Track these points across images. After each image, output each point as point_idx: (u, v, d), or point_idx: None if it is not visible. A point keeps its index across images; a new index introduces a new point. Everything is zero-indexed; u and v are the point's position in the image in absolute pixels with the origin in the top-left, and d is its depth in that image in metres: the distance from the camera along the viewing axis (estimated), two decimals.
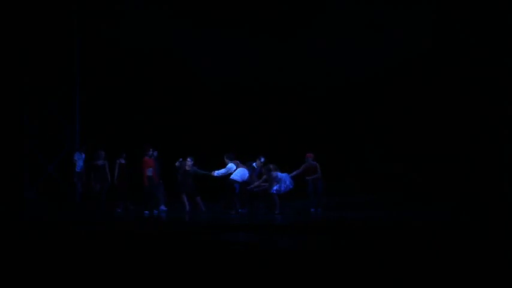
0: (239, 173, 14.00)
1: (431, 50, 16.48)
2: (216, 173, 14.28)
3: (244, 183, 13.95)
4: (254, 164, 14.37)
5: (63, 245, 9.26)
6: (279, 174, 13.62)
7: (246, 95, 17.49)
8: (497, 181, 15.46)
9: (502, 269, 6.87)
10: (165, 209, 14.70)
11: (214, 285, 6.43)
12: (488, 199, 14.58)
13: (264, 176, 13.78)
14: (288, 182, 13.69)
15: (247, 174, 14.07)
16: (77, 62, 16.82)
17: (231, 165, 14.20)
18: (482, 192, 15.07)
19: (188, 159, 14.47)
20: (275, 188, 13.53)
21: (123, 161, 14.69)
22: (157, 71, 17.65)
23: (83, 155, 16.03)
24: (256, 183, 13.97)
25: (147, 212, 14.09)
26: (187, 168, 14.41)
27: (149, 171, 14.31)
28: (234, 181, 13.93)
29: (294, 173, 13.81)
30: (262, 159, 14.38)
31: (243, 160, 14.24)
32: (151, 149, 14.49)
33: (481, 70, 16.06)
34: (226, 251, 8.61)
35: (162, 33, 16.95)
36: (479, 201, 14.44)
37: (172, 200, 14.99)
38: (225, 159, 14.28)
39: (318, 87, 17.37)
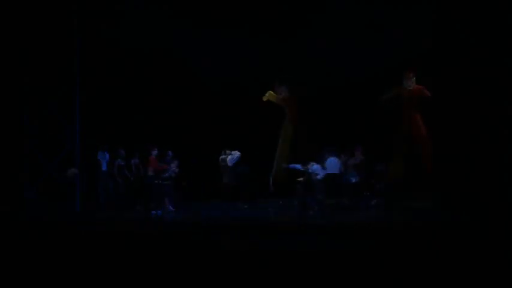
0: (330, 165, 14.27)
1: (431, 50, 16.46)
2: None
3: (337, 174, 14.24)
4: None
5: (63, 245, 9.25)
6: None
7: (246, 95, 17.47)
8: (497, 181, 15.44)
9: (502, 269, 6.87)
10: (173, 209, 14.71)
11: (214, 285, 6.43)
12: (488, 199, 14.56)
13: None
14: None
15: (336, 161, 14.33)
16: (77, 62, 16.78)
17: (315, 167, 14.47)
18: (482, 192, 15.05)
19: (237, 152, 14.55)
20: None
21: (137, 161, 14.72)
22: (157, 71, 17.64)
23: (107, 155, 15.98)
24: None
25: (153, 212, 14.13)
26: (229, 163, 14.27)
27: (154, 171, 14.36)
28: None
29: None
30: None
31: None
32: (156, 149, 14.52)
33: (481, 70, 16.03)
34: (225, 251, 8.60)
35: (162, 33, 16.94)
36: (479, 201, 14.42)
37: (179, 200, 15.02)
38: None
39: (318, 87, 17.33)
